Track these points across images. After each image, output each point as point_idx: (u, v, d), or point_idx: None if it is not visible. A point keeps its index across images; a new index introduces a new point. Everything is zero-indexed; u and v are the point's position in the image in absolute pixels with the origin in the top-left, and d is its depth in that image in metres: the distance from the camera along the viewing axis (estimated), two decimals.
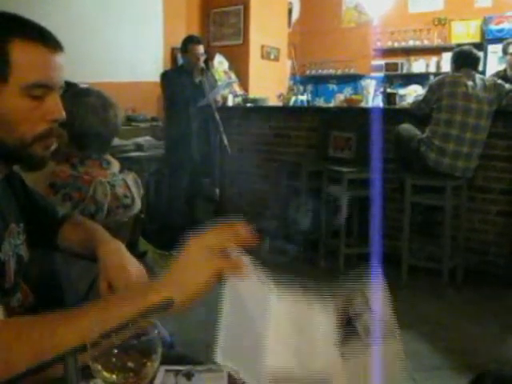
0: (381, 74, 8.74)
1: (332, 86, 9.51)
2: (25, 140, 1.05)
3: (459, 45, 6.16)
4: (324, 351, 0.80)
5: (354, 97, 6.69)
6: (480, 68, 4.66)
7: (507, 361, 3.03)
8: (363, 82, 8.09)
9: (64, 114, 1.10)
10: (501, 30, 7.62)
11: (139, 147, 5.46)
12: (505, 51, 4.82)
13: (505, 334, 3.39)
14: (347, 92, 8.81)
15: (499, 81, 4.14)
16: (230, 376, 0.84)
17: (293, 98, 6.93)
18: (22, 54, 1.01)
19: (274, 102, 6.77)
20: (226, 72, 6.99)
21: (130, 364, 0.77)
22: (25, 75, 1.01)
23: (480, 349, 3.15)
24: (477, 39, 7.99)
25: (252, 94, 6.81)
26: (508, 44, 4.74)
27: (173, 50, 6.73)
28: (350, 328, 0.82)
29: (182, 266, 0.86)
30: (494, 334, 3.37)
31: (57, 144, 1.13)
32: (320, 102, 8.22)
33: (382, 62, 8.93)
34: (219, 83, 5.71)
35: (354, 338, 0.81)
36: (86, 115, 2.07)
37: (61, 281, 1.59)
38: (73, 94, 2.14)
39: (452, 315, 3.68)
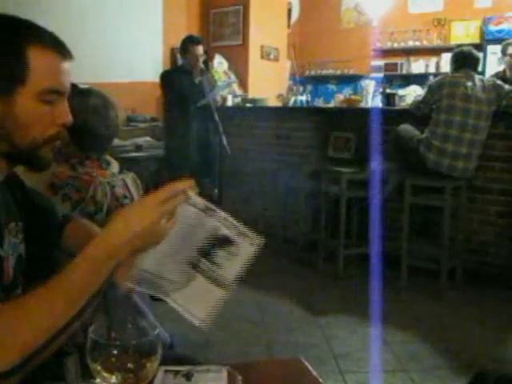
0: (380, 75, 8.74)
1: (331, 87, 9.51)
2: (36, 142, 1.09)
3: (459, 45, 6.15)
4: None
5: (353, 97, 6.68)
6: (479, 69, 4.66)
7: (506, 361, 3.03)
8: (363, 83, 8.07)
9: (71, 118, 1.14)
10: (500, 31, 7.63)
11: (138, 148, 5.46)
12: (503, 52, 4.82)
13: (504, 335, 3.40)
14: (347, 92, 8.80)
15: (498, 81, 4.14)
16: (229, 376, 0.84)
17: (292, 99, 6.93)
18: (38, 58, 1.05)
19: (273, 102, 6.76)
20: (225, 72, 7.00)
21: (129, 365, 0.77)
22: (41, 80, 1.05)
23: (479, 349, 3.16)
24: (476, 40, 7.99)
25: (251, 95, 6.82)
26: (507, 45, 4.74)
27: (172, 50, 6.73)
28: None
29: (135, 226, 0.93)
30: (493, 334, 3.38)
31: (57, 144, 1.15)
32: (319, 103, 8.21)
33: (381, 62, 8.93)
34: (218, 83, 5.71)
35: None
36: (87, 115, 2.07)
37: None
38: (74, 93, 2.14)
39: (451, 316, 3.68)
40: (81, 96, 2.13)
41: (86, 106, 2.08)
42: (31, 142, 1.08)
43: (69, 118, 1.13)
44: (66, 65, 1.11)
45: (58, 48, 1.09)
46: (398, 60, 8.87)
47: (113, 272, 0.93)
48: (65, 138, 2.03)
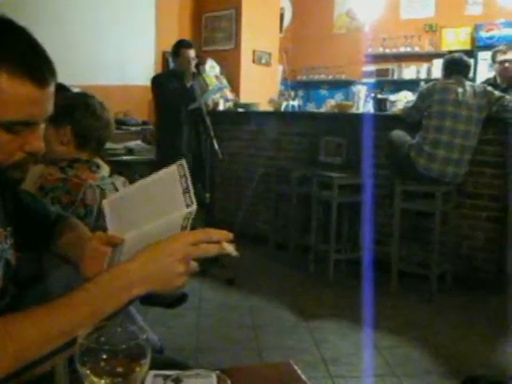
0: (372, 80, 8.76)
1: (323, 92, 9.53)
2: (0, 167, 1.03)
3: (450, 51, 6.20)
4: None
5: (344, 102, 6.69)
6: (470, 75, 4.69)
7: (495, 366, 3.04)
8: (354, 88, 8.09)
9: (43, 146, 1.05)
10: (491, 38, 7.67)
11: (130, 151, 5.45)
12: (493, 59, 4.85)
13: (493, 339, 3.41)
14: (338, 97, 8.82)
15: (489, 88, 4.16)
16: (219, 380, 0.84)
17: (284, 103, 6.93)
18: (6, 89, 0.94)
19: (264, 106, 6.77)
20: (217, 77, 6.99)
21: (118, 369, 0.77)
22: (3, 112, 0.95)
23: (469, 354, 3.16)
24: (467, 46, 8.04)
25: (243, 99, 6.82)
26: (496, 52, 4.77)
27: (164, 54, 6.73)
28: None
29: (160, 261, 0.90)
30: (483, 339, 3.39)
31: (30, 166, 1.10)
32: (311, 108, 8.22)
33: (373, 67, 8.97)
34: (210, 88, 5.71)
35: None
36: (94, 118, 2.11)
37: (50, 285, 1.58)
38: (76, 96, 2.21)
39: (441, 320, 3.69)
40: (80, 97, 2.17)
41: (86, 107, 2.11)
42: None
43: (39, 147, 1.03)
44: (45, 93, 0.99)
45: (34, 75, 0.96)
46: (390, 66, 8.90)
47: (123, 307, 0.89)
48: (67, 136, 2.06)
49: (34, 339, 0.83)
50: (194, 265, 0.92)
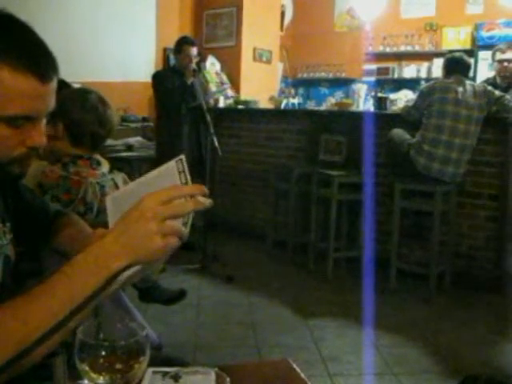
0: (372, 79, 8.76)
1: (323, 90, 9.53)
2: (0, 162, 1.02)
3: (450, 51, 6.19)
4: None
5: (344, 101, 6.71)
6: (471, 74, 4.69)
7: (494, 364, 3.05)
8: (354, 86, 8.10)
9: (45, 141, 1.04)
10: (491, 37, 7.67)
11: (130, 147, 5.45)
12: (493, 58, 4.85)
13: (492, 338, 3.41)
14: (338, 96, 8.83)
15: (489, 87, 4.16)
16: (217, 378, 0.84)
17: (284, 101, 6.94)
18: (8, 83, 0.94)
19: (265, 104, 6.77)
20: (217, 73, 6.99)
21: (117, 365, 0.77)
22: (5, 107, 0.95)
23: (467, 353, 3.17)
24: (468, 45, 8.03)
25: (243, 96, 6.81)
26: (495, 51, 4.77)
27: (165, 50, 6.73)
28: None
29: (131, 226, 0.84)
30: (482, 338, 3.39)
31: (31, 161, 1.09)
32: (311, 105, 8.23)
33: (373, 66, 8.96)
34: (213, 89, 5.70)
35: None
36: (84, 113, 2.10)
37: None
38: (72, 91, 2.19)
39: (440, 319, 3.69)
40: (80, 93, 2.17)
41: (84, 104, 2.11)
42: None
43: (41, 142, 1.03)
44: (47, 87, 0.99)
45: (36, 70, 0.96)
46: (390, 64, 8.89)
47: (105, 286, 0.83)
48: (60, 132, 2.06)
49: (16, 330, 0.81)
50: (175, 224, 0.85)
